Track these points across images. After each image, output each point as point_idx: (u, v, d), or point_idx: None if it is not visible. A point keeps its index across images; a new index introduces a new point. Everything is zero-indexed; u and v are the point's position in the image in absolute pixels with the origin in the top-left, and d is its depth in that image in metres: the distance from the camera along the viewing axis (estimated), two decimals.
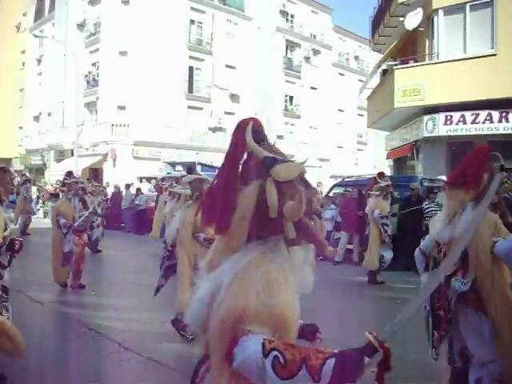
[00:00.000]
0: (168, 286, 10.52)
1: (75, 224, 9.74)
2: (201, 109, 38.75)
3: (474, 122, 17.85)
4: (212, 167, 27.82)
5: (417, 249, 4.51)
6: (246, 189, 2.09)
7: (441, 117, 18.34)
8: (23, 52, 48.78)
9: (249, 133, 2.20)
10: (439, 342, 4.16)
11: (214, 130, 39.00)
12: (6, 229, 4.93)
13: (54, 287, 9.92)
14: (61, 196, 12.55)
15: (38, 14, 46.64)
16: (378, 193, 11.20)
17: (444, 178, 17.81)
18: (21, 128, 48.34)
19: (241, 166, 2.23)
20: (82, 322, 7.19)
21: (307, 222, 2.12)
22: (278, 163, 2.14)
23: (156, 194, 21.31)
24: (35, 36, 41.16)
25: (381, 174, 11.79)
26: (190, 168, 11.61)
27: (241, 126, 2.25)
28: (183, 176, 6.91)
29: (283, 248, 2.12)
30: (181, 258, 6.66)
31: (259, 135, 2.29)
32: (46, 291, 9.72)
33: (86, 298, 9.11)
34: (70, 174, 10.89)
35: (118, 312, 8.29)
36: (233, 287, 1.99)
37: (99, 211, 14.24)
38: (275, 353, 1.84)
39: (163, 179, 26.08)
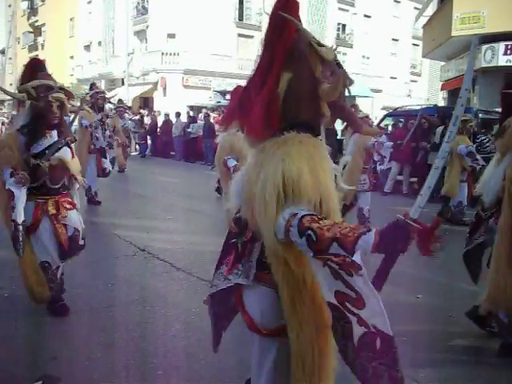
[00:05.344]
0: (216, 210, 10.73)
1: None
2: (251, 37, 38.12)
3: None
4: None
5: None
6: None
7: (500, 46, 17.57)
8: None
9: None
10: None
11: None
12: None
13: (106, 210, 10.29)
14: None
15: None
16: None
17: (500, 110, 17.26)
18: (72, 57, 48.67)
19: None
20: (134, 244, 7.41)
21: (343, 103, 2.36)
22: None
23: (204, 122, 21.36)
24: None
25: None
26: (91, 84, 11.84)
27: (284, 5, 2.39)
28: None
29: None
30: None
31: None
32: (98, 213, 10.06)
33: (137, 221, 9.35)
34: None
35: (170, 235, 8.49)
36: (274, 161, 2.21)
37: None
38: (309, 232, 2.02)
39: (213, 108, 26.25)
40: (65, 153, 4.78)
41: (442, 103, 28.07)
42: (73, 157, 4.90)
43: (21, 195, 4.56)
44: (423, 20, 25.55)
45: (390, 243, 1.97)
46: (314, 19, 41.50)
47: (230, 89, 30.68)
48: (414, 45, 46.39)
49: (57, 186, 4.81)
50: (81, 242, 4.94)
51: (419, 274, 6.64)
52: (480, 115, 14.12)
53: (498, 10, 16.96)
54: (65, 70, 48.18)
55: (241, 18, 37.75)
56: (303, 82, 2.25)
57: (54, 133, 4.74)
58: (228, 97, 29.30)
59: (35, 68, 4.74)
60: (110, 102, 12.93)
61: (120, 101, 16.54)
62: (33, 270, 4.75)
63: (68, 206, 4.87)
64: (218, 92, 30.81)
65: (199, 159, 21.33)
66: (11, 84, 56.65)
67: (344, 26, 44.74)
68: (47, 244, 4.78)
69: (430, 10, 24.71)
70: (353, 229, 1.99)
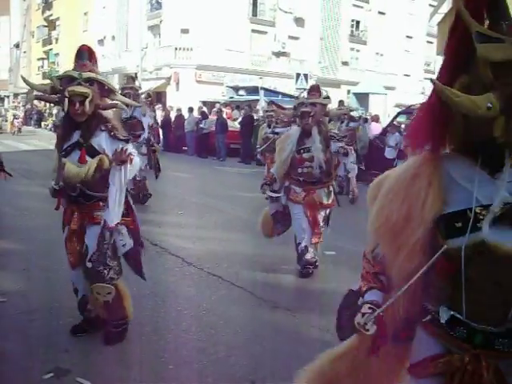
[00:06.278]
0: (229, 206, 10.76)
1: None
2: (265, 33, 38.04)
3: None
4: (275, 92, 27.68)
5: None
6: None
7: None
8: None
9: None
10: None
11: (278, 54, 38.37)
12: None
13: None
14: None
15: None
16: None
17: None
18: None
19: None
20: (146, 238, 7.42)
21: None
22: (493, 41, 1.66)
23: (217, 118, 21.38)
24: None
25: None
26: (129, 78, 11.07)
27: None
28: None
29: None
30: None
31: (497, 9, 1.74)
32: None
33: (149, 216, 9.35)
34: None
35: (182, 230, 8.51)
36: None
37: None
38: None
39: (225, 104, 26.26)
40: (74, 156, 4.11)
41: None
42: (82, 161, 4.06)
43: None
44: (438, 17, 25.35)
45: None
46: (328, 14, 41.38)
47: (243, 84, 30.78)
48: (429, 42, 46.09)
49: (74, 194, 4.18)
50: (88, 264, 4.12)
51: None
52: None
53: None
54: None
55: (254, 13, 37.63)
56: (471, 91, 1.68)
57: (76, 133, 4.11)
58: (241, 92, 29.34)
59: (76, 57, 4.20)
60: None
61: (148, 94, 16.25)
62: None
63: (88, 220, 4.22)
64: (231, 87, 30.78)
65: (211, 154, 21.35)
66: None
67: (358, 22, 44.53)
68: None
69: (445, 7, 24.52)
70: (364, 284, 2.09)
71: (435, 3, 33.45)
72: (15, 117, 32.41)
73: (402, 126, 16.75)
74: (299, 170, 6.14)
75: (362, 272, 2.10)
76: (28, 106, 39.49)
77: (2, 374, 3.75)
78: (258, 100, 24.81)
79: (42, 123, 39.29)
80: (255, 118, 21.00)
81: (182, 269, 6.40)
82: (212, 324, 4.77)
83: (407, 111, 17.75)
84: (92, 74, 4.08)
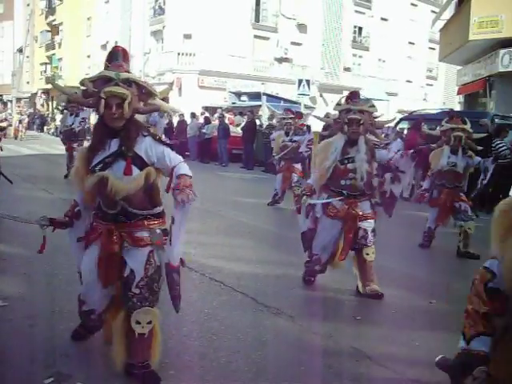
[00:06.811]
0: (231, 212, 10.76)
1: None
2: (267, 38, 38.15)
3: None
4: (277, 98, 27.75)
5: None
6: None
7: None
8: None
9: None
10: None
11: (280, 60, 38.47)
12: None
13: None
14: None
15: None
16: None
17: None
18: (88, 57, 48.90)
19: None
20: None
21: None
22: None
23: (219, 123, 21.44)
24: None
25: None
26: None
27: None
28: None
29: None
30: None
31: None
32: None
33: None
34: None
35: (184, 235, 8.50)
36: None
37: None
38: None
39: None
40: (116, 168, 3.63)
41: (457, 107, 27.90)
42: (127, 172, 3.61)
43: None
44: (440, 24, 25.40)
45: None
46: (331, 20, 41.46)
47: (245, 90, 30.84)
48: (431, 48, 46.19)
49: (113, 212, 3.74)
50: (135, 290, 3.74)
51: (433, 279, 6.60)
52: (496, 120, 13.98)
53: None
54: (81, 69, 48.56)
55: (257, 19, 37.77)
56: None
57: (114, 142, 3.64)
58: (243, 98, 29.42)
59: (109, 58, 3.74)
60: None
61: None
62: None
63: (130, 242, 3.76)
64: (233, 93, 30.88)
65: (214, 160, 21.39)
66: (28, 82, 57.07)
67: (360, 28, 44.65)
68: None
69: (447, 13, 24.56)
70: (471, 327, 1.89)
71: (437, 10, 33.49)
72: (20, 121, 32.41)
73: (404, 132, 16.81)
74: (342, 183, 5.72)
75: (467, 307, 1.89)
76: (31, 110, 39.49)
77: (3, 379, 3.74)
78: (260, 105, 24.86)
79: (45, 127, 39.37)
80: (258, 123, 21.06)
81: (183, 274, 6.36)
82: (213, 329, 4.75)
83: (409, 117, 17.78)
84: (130, 75, 3.65)
